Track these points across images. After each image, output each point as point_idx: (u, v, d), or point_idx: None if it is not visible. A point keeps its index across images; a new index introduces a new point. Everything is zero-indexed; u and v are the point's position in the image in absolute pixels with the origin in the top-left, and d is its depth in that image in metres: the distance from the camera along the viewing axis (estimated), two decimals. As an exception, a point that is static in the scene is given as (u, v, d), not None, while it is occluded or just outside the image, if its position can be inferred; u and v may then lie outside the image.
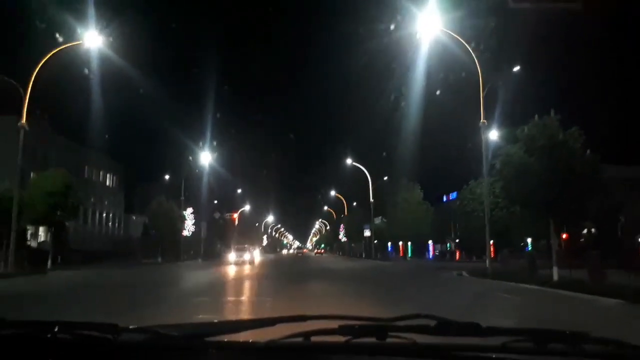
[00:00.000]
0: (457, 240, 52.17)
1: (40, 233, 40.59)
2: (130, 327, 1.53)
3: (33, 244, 37.03)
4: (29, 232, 35.05)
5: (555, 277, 15.88)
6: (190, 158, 51.90)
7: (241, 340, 1.50)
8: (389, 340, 1.44)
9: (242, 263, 34.12)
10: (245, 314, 8.98)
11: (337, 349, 1.45)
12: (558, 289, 14.01)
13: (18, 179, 22.94)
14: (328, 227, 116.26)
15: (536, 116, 16.95)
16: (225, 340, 1.51)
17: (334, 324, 1.47)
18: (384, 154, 56.32)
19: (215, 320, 1.72)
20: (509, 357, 1.39)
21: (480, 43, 21.36)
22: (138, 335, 1.52)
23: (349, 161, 53.31)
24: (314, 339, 1.47)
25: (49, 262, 26.36)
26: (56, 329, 1.48)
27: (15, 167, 22.77)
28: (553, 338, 1.46)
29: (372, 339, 1.44)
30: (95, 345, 1.45)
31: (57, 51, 22.60)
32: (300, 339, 1.46)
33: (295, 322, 1.56)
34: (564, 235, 25.82)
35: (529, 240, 34.59)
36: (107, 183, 61.39)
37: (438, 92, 32.21)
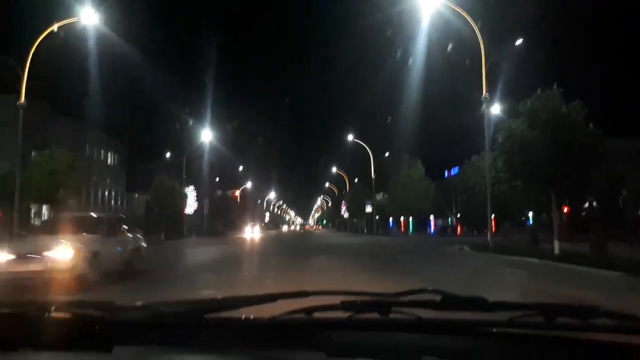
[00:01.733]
0: (458, 215, 52.34)
1: (43, 212, 40.79)
2: (127, 305, 1.51)
3: (37, 222, 37.25)
4: (32, 211, 35.22)
5: (557, 250, 15.97)
6: (192, 135, 51.72)
7: (241, 316, 1.48)
8: (392, 315, 1.42)
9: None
10: (248, 289, 9.05)
11: (339, 324, 1.42)
12: (559, 262, 14.10)
13: (19, 158, 22.92)
14: (330, 203, 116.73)
15: (539, 90, 16.80)
16: (225, 316, 1.48)
17: (336, 300, 1.45)
18: (389, 118, 55.31)
19: (218, 297, 1.68)
20: (516, 331, 1.36)
21: (482, 16, 21.03)
22: (135, 313, 1.51)
23: (350, 137, 53.15)
24: (315, 314, 1.44)
25: (53, 241, 26.49)
26: (53, 308, 1.47)
27: (16, 147, 22.72)
28: (562, 312, 1.43)
29: (375, 315, 1.42)
30: (91, 323, 1.43)
31: (53, 28, 22.29)
32: (301, 315, 1.44)
33: (296, 298, 1.53)
34: (566, 209, 25.88)
35: (531, 214, 34.67)
36: (109, 161, 61.40)
37: (440, 66, 31.91)
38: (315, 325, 1.45)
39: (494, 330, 1.38)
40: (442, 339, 1.38)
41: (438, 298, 1.44)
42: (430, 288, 1.51)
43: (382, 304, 1.46)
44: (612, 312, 1.40)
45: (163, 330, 1.45)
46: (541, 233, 21.04)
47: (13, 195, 22.01)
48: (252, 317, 1.45)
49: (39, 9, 23.96)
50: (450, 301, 1.45)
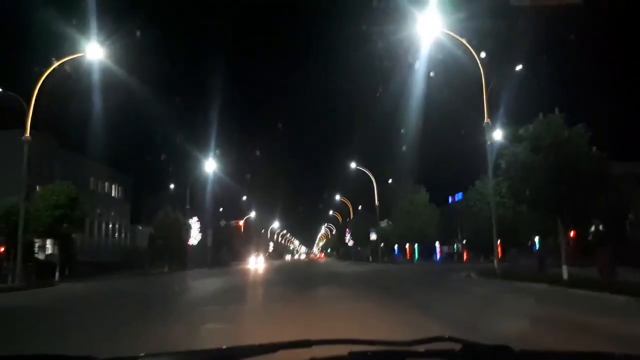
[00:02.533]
0: (464, 241, 51.89)
1: (47, 245, 40.70)
2: (111, 357, 1.37)
3: (40, 256, 37.11)
4: (37, 245, 35.12)
5: (565, 275, 15.74)
6: (195, 166, 51.99)
7: None
8: None
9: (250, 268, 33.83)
10: (254, 322, 8.90)
11: None
12: (569, 288, 13.87)
13: (23, 192, 23.02)
14: (334, 231, 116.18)
15: (540, 114, 16.87)
16: None
17: (342, 350, 1.29)
18: (404, 147, 54.14)
19: (222, 344, 1.54)
20: None
21: (481, 43, 21.34)
22: None
23: (353, 165, 53.30)
24: None
25: (57, 275, 26.40)
26: None
27: (21, 181, 22.86)
28: None
29: None
30: None
31: (59, 64, 22.73)
32: None
33: (299, 348, 1.38)
34: (572, 233, 25.64)
35: (537, 239, 34.37)
36: (113, 194, 61.57)
37: (442, 93, 32.22)
38: None
39: None
40: None
41: (458, 347, 1.29)
42: (446, 336, 1.37)
43: (395, 355, 1.32)
44: (628, 356, 1.24)
45: None
46: (549, 258, 20.80)
47: (17, 229, 22.02)
48: None
49: (45, 44, 24.48)
50: (471, 351, 1.28)
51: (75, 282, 25.68)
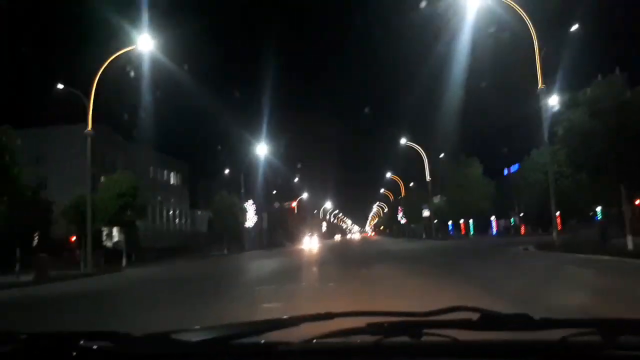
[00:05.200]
0: (521, 214, 50.30)
1: (114, 233, 43.06)
2: (141, 335, 1.44)
3: (108, 244, 39.37)
4: (104, 233, 37.28)
5: (630, 245, 15.02)
6: (248, 150, 52.99)
7: (264, 342, 1.38)
8: (424, 338, 1.27)
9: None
10: (308, 301, 9.13)
11: (366, 350, 1.29)
12: (633, 259, 13.24)
13: (89, 183, 24.39)
14: (386, 210, 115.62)
15: (599, 76, 16.00)
16: (248, 342, 1.40)
17: (362, 322, 1.33)
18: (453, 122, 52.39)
19: (279, 313, 1.64)
20: (569, 353, 1.17)
21: (532, 3, 20.29)
22: (151, 344, 1.42)
23: (403, 141, 52.54)
24: (340, 339, 1.32)
25: (124, 260, 27.95)
26: (80, 342, 1.40)
27: (86, 172, 24.23)
28: (624, 329, 1.23)
29: (405, 338, 1.27)
30: (104, 357, 1.38)
31: (114, 57, 23.67)
32: (325, 340, 1.33)
33: (321, 321, 1.42)
34: (638, 201, 24.30)
35: (599, 209, 32.82)
36: (172, 181, 63.98)
37: (493, 59, 31.01)
38: (340, 351, 1.33)
39: (542, 352, 1.20)
40: None
41: (476, 316, 1.28)
42: (465, 305, 1.36)
43: (412, 325, 1.33)
44: None
45: None
46: (611, 228, 19.86)
47: (85, 219, 23.45)
48: (275, 343, 1.34)
49: (98, 38, 25.55)
50: (490, 320, 1.27)
51: (141, 267, 27.14)
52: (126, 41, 23.89)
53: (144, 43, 23.77)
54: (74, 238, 27.79)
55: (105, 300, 12.37)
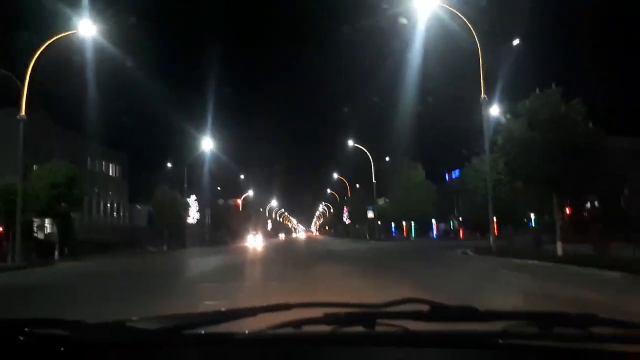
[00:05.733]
0: (460, 219, 52.24)
1: (46, 225, 40.82)
2: (98, 322, 1.41)
3: (40, 235, 37.26)
4: (35, 225, 35.23)
5: (560, 252, 15.91)
6: (192, 144, 51.83)
7: (220, 332, 1.38)
8: (377, 328, 1.34)
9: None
10: (251, 299, 9.02)
11: (322, 339, 1.34)
12: (563, 264, 14.04)
13: (20, 171, 22.98)
14: (332, 210, 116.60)
15: (537, 89, 16.80)
16: (203, 332, 1.39)
17: (319, 312, 1.37)
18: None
19: (222, 308, 1.61)
20: (509, 343, 1.26)
21: (479, 17, 21.11)
22: (107, 331, 1.41)
23: (350, 143, 53.19)
24: (297, 329, 1.36)
25: (56, 253, 26.56)
26: (25, 329, 1.36)
27: (17, 160, 22.80)
28: (558, 321, 1.35)
29: (360, 328, 1.33)
30: (60, 344, 1.33)
31: (52, 41, 22.43)
32: (282, 330, 1.36)
33: (278, 312, 1.44)
34: (568, 210, 25.80)
35: (533, 216, 34.58)
36: (110, 173, 61.52)
37: (439, 69, 32.02)
38: (297, 340, 1.36)
39: (486, 341, 1.29)
40: (430, 352, 1.30)
41: (426, 308, 1.35)
42: (417, 297, 1.43)
43: (367, 316, 1.38)
44: (611, 320, 1.31)
45: (136, 350, 1.35)
46: (544, 235, 20.98)
47: (15, 209, 22.05)
48: (231, 333, 1.36)
49: (38, 21, 24.08)
50: (439, 311, 1.35)
51: (74, 260, 25.87)
52: (68, 26, 22.72)
53: (86, 28, 22.67)
54: (1, 229, 26.05)
55: (34, 294, 11.64)
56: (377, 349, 1.32)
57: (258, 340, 1.37)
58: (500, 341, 1.27)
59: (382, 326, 1.34)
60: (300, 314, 1.40)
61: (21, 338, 1.34)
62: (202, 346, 1.37)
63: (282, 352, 1.34)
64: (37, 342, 1.34)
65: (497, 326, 1.31)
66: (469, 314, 1.35)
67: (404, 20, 23.01)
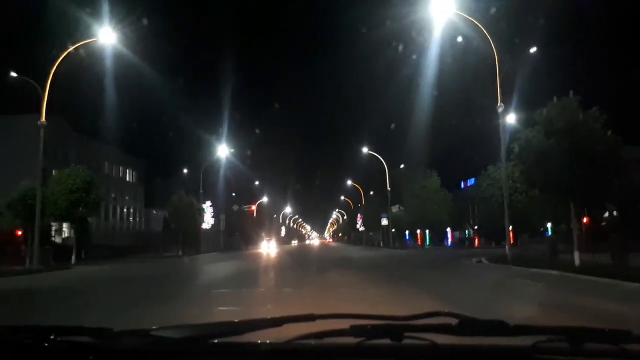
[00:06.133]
0: (475, 227, 51.74)
1: (64, 229, 41.41)
2: (126, 330, 1.43)
3: (57, 239, 37.81)
4: (53, 229, 35.76)
5: (577, 261, 15.67)
6: (208, 151, 52.23)
7: (247, 342, 1.38)
8: (405, 341, 1.32)
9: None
10: (265, 305, 9.04)
11: (349, 351, 1.32)
12: (580, 274, 13.81)
13: (39, 176, 23.38)
14: (345, 217, 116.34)
15: (554, 98, 16.63)
16: (230, 342, 1.39)
17: (345, 324, 1.36)
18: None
19: (233, 317, 1.62)
20: (541, 358, 1.25)
21: (495, 25, 21.01)
22: (134, 340, 1.41)
23: (365, 150, 53.10)
24: (323, 340, 1.35)
25: (73, 258, 26.90)
26: (52, 337, 1.38)
27: (37, 165, 23.21)
28: (590, 337, 1.32)
29: (387, 340, 1.32)
30: (88, 352, 1.34)
31: (72, 49, 22.85)
32: (308, 341, 1.35)
33: (303, 322, 1.43)
34: (585, 219, 25.43)
35: (549, 224, 34.11)
36: (127, 178, 62.27)
37: (455, 77, 31.88)
38: (323, 352, 1.35)
39: (517, 357, 1.28)
40: None
41: (455, 322, 1.33)
42: (446, 311, 1.41)
43: (394, 328, 1.36)
44: None
45: (162, 358, 1.36)
46: (560, 244, 20.68)
47: (34, 213, 22.42)
48: (256, 343, 1.36)
49: (58, 28, 24.56)
50: (467, 325, 1.33)
51: (91, 264, 26.18)
52: (88, 34, 23.15)
53: (106, 35, 23.07)
54: (20, 232, 26.49)
55: (52, 298, 11.81)
56: None
57: (284, 351, 1.35)
58: (532, 357, 1.25)
59: (410, 339, 1.32)
60: (324, 325, 1.39)
61: (46, 345, 1.36)
62: (227, 355, 1.37)
63: None
64: (63, 350, 1.35)
65: (527, 341, 1.29)
66: (499, 328, 1.32)
67: (420, 28, 22.98)
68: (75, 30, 23.66)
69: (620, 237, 15.76)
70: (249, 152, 66.01)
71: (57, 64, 22.54)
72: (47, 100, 22.90)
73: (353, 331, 1.33)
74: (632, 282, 11.11)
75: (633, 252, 14.72)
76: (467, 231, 56.60)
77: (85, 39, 23.12)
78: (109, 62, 25.72)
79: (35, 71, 23.91)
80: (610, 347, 1.26)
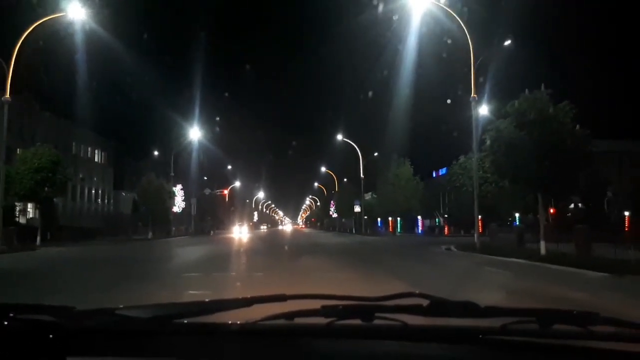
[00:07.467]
0: (446, 215, 52.64)
1: (28, 209, 40.24)
2: (88, 309, 1.37)
3: (22, 220, 36.76)
4: (18, 209, 34.72)
5: (543, 251, 16.11)
6: (180, 133, 51.40)
7: (213, 322, 1.35)
8: (376, 321, 1.31)
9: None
10: (236, 289, 9.00)
11: (319, 331, 1.31)
12: (545, 263, 14.23)
13: (3, 154, 22.59)
14: (319, 203, 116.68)
15: (526, 90, 16.90)
16: (196, 322, 1.36)
17: (316, 304, 1.34)
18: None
19: (205, 299, 1.56)
20: (509, 339, 1.26)
21: (471, 16, 21.16)
22: (98, 318, 1.36)
23: (339, 137, 53.16)
24: (294, 320, 1.33)
25: (38, 239, 26.23)
26: (11, 315, 1.32)
27: (1, 143, 22.40)
28: (559, 318, 1.33)
29: (358, 321, 1.31)
30: (48, 330, 1.29)
31: (39, 23, 22.00)
32: (279, 321, 1.33)
33: (273, 302, 1.40)
34: (552, 210, 26.14)
35: (517, 214, 34.98)
36: (96, 159, 60.82)
37: (429, 67, 32.08)
38: (293, 332, 1.34)
39: (486, 337, 1.28)
40: (429, 346, 1.28)
41: (425, 303, 1.33)
42: (417, 292, 1.40)
43: (365, 309, 1.36)
44: (612, 319, 1.30)
45: (126, 338, 1.32)
46: (527, 234, 21.22)
47: (-3, 192, 21.69)
48: (225, 323, 1.33)
49: (25, 3, 23.57)
50: (438, 306, 1.33)
51: (57, 246, 25.57)
52: (55, 8, 22.29)
53: (74, 11, 22.28)
54: (-19, 212, 25.62)
55: (15, 279, 11.47)
56: (375, 343, 1.30)
57: (253, 331, 1.33)
58: (499, 337, 1.26)
59: (381, 320, 1.32)
60: (295, 305, 1.37)
61: (5, 323, 1.30)
62: (195, 335, 1.33)
63: (278, 343, 1.31)
64: (23, 328, 1.29)
65: (497, 322, 1.29)
66: (469, 309, 1.33)
67: (397, 17, 22.97)
68: (43, 4, 22.78)
69: (585, 228, 16.25)
70: (222, 137, 65.28)
71: (22, 39, 21.67)
72: (12, 77, 22.05)
73: (324, 311, 1.31)
74: (596, 272, 11.50)
75: (596, 243, 15.23)
76: (437, 219, 57.53)
77: (53, 14, 22.29)
78: (79, 39, 24.82)
79: (1, 47, 22.84)
80: (578, 328, 1.28)
